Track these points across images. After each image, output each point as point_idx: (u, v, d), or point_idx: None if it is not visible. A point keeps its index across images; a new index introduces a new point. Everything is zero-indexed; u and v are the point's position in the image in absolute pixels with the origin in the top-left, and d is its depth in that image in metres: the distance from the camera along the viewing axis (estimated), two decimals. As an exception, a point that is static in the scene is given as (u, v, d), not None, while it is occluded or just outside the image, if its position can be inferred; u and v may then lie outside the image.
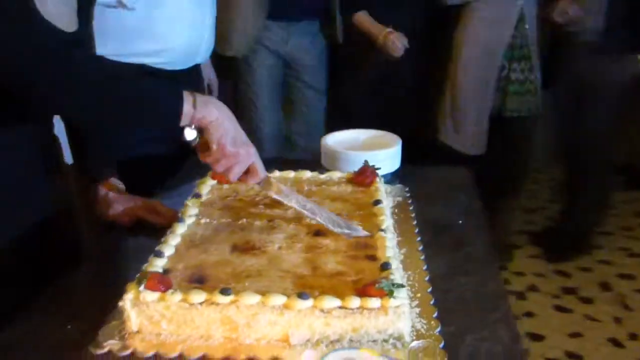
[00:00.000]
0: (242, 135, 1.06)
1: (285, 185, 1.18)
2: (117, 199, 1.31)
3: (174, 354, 0.87)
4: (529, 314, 2.60)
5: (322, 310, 0.86)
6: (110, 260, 1.21)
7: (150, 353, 0.87)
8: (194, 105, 0.99)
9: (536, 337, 2.44)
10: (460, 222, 1.27)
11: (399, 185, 1.43)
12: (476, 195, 1.42)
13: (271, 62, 2.67)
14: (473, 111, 2.54)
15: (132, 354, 0.87)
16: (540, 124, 2.80)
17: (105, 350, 0.88)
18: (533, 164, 3.14)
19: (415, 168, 1.59)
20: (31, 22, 0.93)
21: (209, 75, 2.17)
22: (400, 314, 0.85)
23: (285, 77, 2.76)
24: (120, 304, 0.90)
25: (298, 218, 1.15)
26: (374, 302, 0.85)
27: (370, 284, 0.88)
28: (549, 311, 2.64)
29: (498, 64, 2.46)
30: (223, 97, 2.96)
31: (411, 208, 1.31)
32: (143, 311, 0.89)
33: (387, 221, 1.11)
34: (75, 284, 1.12)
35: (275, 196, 1.13)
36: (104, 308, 0.94)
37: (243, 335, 0.88)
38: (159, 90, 1.02)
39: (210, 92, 2.13)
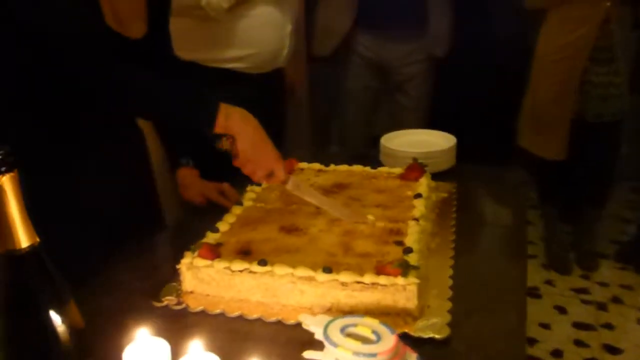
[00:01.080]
0: (265, 143, 1.21)
1: (312, 185, 1.36)
2: (192, 183, 1.52)
3: (218, 311, 1.03)
4: (608, 326, 2.53)
5: (342, 284, 0.98)
6: (184, 230, 1.41)
7: (199, 309, 1.04)
8: (225, 117, 1.16)
9: (613, 350, 2.38)
10: (502, 220, 1.33)
11: (450, 183, 1.51)
12: (526, 196, 1.47)
13: (360, 68, 2.76)
14: (553, 114, 2.52)
15: (184, 308, 1.05)
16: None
17: (164, 304, 1.06)
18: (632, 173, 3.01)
19: (473, 167, 1.65)
20: (95, 27, 1.14)
21: (293, 75, 2.33)
22: (410, 292, 0.95)
23: (377, 82, 2.82)
24: (178, 267, 1.07)
25: (344, 205, 1.28)
26: (387, 280, 0.96)
27: (388, 264, 0.99)
28: (631, 325, 2.55)
29: (580, 65, 2.42)
30: (311, 96, 3.16)
31: (455, 203, 1.39)
32: (195, 274, 1.06)
33: (421, 212, 1.21)
34: (155, 246, 1.34)
35: (294, 192, 1.27)
36: (172, 269, 1.11)
37: (275, 300, 1.03)
38: (199, 101, 1.19)
39: (292, 93, 2.28)
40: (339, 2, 2.59)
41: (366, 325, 0.84)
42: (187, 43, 1.56)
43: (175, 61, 1.49)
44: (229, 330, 0.99)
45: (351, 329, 0.84)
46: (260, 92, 1.80)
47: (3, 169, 0.68)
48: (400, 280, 0.96)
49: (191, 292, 1.08)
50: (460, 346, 0.92)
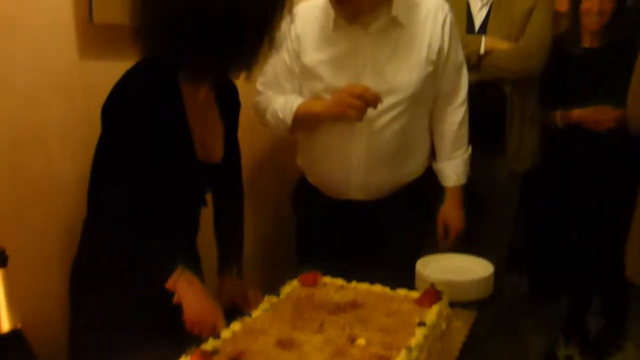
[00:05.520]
0: (208, 305, 1.40)
1: (328, 300, 1.42)
2: (231, 291, 1.68)
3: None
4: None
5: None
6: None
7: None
8: (175, 281, 1.37)
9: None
10: None
11: (471, 313, 1.47)
12: (549, 340, 1.39)
13: None
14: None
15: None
16: None
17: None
18: None
19: (516, 299, 1.60)
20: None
21: None
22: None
23: None
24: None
25: (348, 325, 1.29)
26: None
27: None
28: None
29: None
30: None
31: (466, 334, 1.36)
32: (186, 376, 1.13)
33: (417, 341, 1.19)
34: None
35: None
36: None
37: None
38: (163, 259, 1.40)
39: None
40: None
41: None
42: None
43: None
44: None
45: None
46: None
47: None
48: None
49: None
50: None
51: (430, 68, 1.92)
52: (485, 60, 2.45)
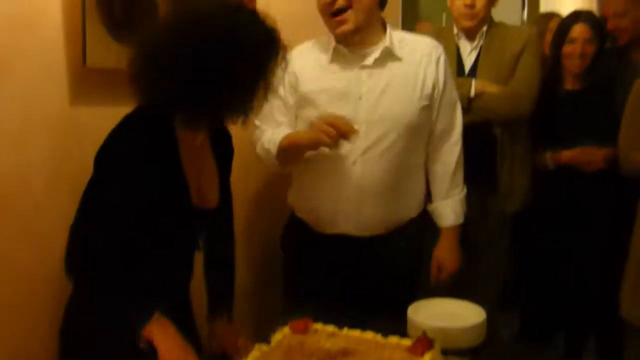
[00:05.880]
0: (183, 351, 1.37)
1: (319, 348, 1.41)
2: (221, 336, 1.65)
3: None
4: None
5: None
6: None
7: None
8: (151, 328, 1.34)
9: None
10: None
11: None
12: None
13: None
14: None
15: None
16: None
17: None
18: None
19: (509, 345, 1.58)
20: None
21: None
22: None
23: None
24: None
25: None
26: None
27: None
28: None
29: None
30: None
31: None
32: None
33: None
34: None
35: None
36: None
37: None
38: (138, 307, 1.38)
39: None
40: None
41: None
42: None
43: None
44: None
45: None
46: None
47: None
48: None
49: None
50: None
51: (425, 102, 1.94)
52: (475, 102, 2.47)
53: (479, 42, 2.56)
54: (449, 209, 2.09)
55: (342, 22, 1.86)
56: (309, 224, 2.02)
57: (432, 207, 2.11)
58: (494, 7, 2.57)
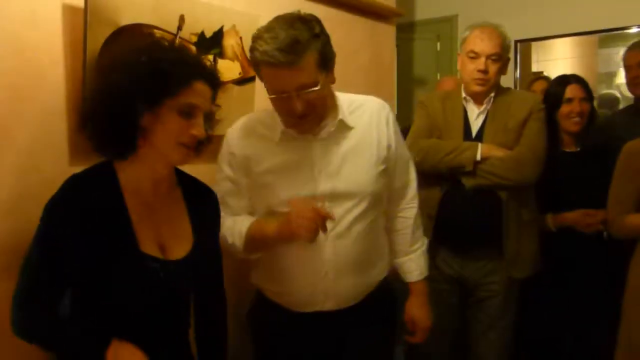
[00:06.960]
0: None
1: None
2: None
3: None
4: None
5: None
6: None
7: None
8: (114, 353, 1.36)
9: None
10: None
11: None
12: None
13: (444, 286, 2.62)
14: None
15: None
16: None
17: None
18: None
19: None
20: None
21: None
22: None
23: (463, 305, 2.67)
24: None
25: None
26: None
27: None
28: None
29: None
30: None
31: None
32: None
33: None
34: None
35: None
36: None
37: None
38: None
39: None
40: None
41: None
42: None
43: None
44: None
45: None
46: None
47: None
48: None
49: None
50: None
51: (383, 166, 1.89)
52: (481, 166, 2.46)
53: (486, 106, 2.56)
54: (413, 264, 2.06)
55: (304, 125, 1.77)
56: (281, 305, 1.92)
57: (397, 264, 2.08)
58: (504, 74, 2.58)
